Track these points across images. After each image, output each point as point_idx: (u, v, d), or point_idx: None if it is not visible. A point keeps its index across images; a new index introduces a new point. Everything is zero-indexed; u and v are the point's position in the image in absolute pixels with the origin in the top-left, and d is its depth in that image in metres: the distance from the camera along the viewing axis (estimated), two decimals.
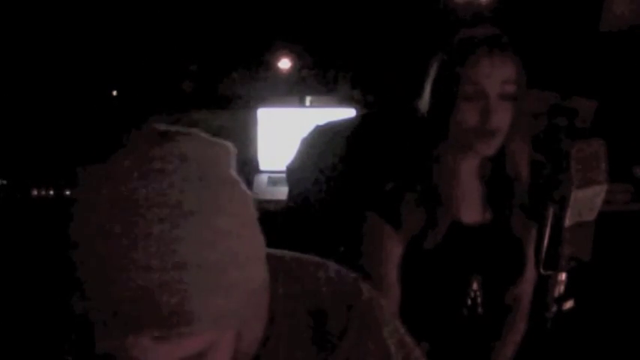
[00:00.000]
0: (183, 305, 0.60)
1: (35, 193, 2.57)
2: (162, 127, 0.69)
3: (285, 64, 3.18)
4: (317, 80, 3.26)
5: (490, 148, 1.28)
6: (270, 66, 3.22)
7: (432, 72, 1.31)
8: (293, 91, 3.16)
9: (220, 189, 0.65)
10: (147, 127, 0.69)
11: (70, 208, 0.63)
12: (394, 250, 1.33)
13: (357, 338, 0.84)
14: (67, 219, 0.63)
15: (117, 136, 0.66)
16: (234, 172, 0.69)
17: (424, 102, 1.33)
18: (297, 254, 0.89)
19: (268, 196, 2.47)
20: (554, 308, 1.80)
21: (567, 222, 1.70)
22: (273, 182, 2.69)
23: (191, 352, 0.63)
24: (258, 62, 3.23)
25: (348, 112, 2.62)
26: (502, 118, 1.25)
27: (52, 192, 2.57)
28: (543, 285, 1.72)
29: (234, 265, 0.63)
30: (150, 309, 0.59)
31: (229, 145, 0.71)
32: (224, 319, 0.63)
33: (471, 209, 1.37)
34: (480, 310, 1.37)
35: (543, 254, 1.73)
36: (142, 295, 0.59)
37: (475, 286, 1.36)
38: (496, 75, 1.24)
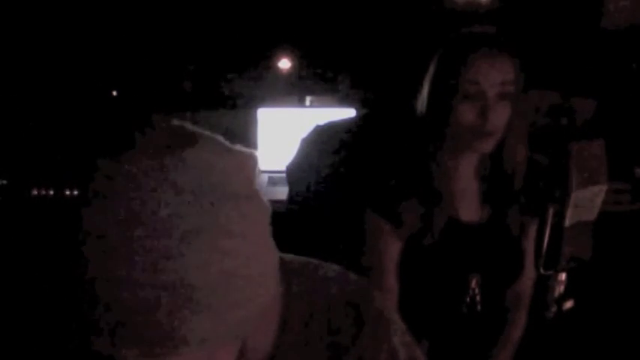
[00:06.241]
0: (174, 326, 0.58)
1: (35, 193, 2.57)
2: (183, 126, 0.66)
3: (285, 64, 3.18)
4: (317, 80, 3.26)
5: (488, 146, 1.28)
6: (270, 66, 3.22)
7: (431, 70, 1.31)
8: (293, 91, 3.16)
9: (230, 206, 0.61)
10: (166, 125, 0.66)
11: (77, 206, 0.61)
12: (393, 248, 1.33)
13: (369, 340, 0.83)
14: (72, 218, 0.60)
15: (118, 135, 0.65)
16: (251, 185, 0.66)
17: (422, 100, 1.33)
18: (305, 258, 0.88)
19: (268, 196, 2.45)
20: (554, 308, 1.79)
21: (567, 222, 1.70)
22: (273, 182, 2.69)
23: None
24: (258, 62, 3.23)
25: (348, 112, 2.62)
26: (500, 117, 1.25)
27: (52, 192, 2.56)
28: (543, 285, 1.72)
29: (233, 287, 0.61)
30: (138, 327, 0.58)
31: (251, 153, 0.68)
32: (219, 339, 0.62)
33: (470, 207, 1.37)
34: (478, 308, 1.37)
35: (543, 254, 1.73)
36: (131, 312, 0.57)
37: (474, 284, 1.36)
38: (495, 75, 1.24)
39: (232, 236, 0.61)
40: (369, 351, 0.83)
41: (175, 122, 0.67)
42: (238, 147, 0.67)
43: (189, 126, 0.66)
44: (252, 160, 0.68)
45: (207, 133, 0.66)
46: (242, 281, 0.62)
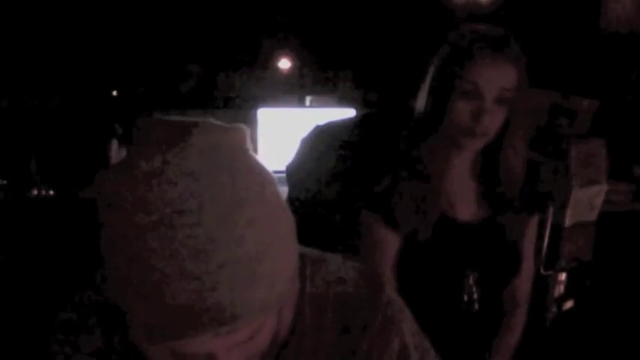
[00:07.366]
0: (231, 302, 0.60)
1: (35, 193, 2.57)
2: (173, 119, 0.67)
3: (285, 64, 3.19)
4: (317, 80, 3.26)
5: (475, 146, 1.28)
6: (270, 66, 3.22)
7: (434, 64, 1.30)
8: (293, 91, 3.16)
9: (246, 178, 0.64)
10: (156, 121, 0.67)
11: (96, 212, 0.63)
12: (390, 247, 1.33)
13: (380, 330, 0.84)
14: (95, 225, 0.62)
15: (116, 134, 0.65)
16: (252, 155, 0.68)
17: (422, 95, 1.32)
18: (316, 250, 0.90)
19: None
20: (554, 308, 1.80)
21: (567, 222, 1.70)
22: None
23: (243, 338, 0.64)
24: (258, 62, 3.23)
25: (348, 112, 2.62)
26: (494, 120, 1.25)
27: (52, 192, 2.56)
28: (543, 285, 1.72)
29: (269, 254, 0.63)
30: (198, 313, 0.60)
31: (242, 126, 0.70)
32: (269, 306, 0.64)
33: (466, 206, 1.37)
34: (476, 306, 1.37)
35: (543, 254, 1.73)
36: (189, 302, 0.59)
37: (471, 282, 1.36)
38: (496, 81, 1.23)
39: (256, 205, 0.64)
40: (380, 339, 0.84)
41: (167, 117, 0.68)
42: (229, 125, 0.69)
43: (181, 117, 0.68)
44: (245, 133, 0.70)
45: (200, 119, 0.67)
46: (278, 246, 0.65)
